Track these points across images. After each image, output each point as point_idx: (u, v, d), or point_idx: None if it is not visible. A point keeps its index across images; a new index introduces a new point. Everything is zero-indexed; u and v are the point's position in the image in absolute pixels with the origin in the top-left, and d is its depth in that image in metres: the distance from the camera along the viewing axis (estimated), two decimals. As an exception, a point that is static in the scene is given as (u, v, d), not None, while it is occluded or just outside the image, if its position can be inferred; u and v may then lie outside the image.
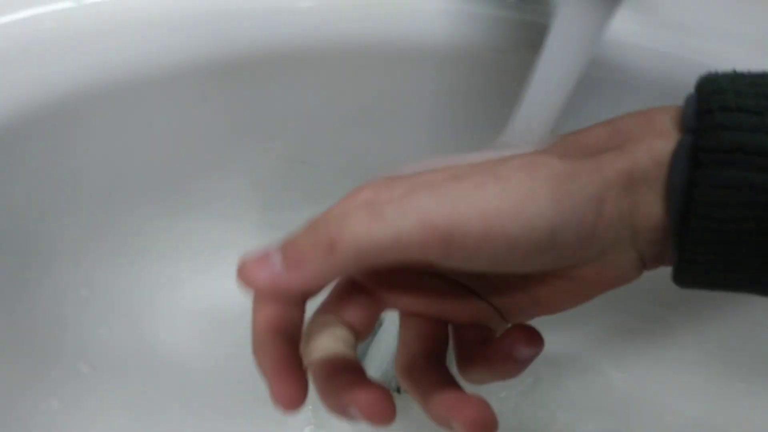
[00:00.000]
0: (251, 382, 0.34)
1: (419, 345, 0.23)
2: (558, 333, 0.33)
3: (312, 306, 0.23)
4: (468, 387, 0.22)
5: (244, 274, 0.18)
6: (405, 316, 0.24)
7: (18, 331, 0.29)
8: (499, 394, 0.38)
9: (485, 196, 0.18)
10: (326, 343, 0.21)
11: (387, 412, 0.19)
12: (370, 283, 0.23)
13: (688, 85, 0.31)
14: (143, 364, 0.34)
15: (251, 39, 0.27)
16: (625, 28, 0.30)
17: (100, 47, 0.25)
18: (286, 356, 0.21)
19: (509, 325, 0.23)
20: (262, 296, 0.22)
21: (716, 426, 0.36)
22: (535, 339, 0.22)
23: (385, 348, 0.34)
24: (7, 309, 0.28)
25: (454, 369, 0.23)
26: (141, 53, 0.26)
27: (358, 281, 0.23)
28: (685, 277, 0.20)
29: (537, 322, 0.22)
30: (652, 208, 0.20)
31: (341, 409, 0.21)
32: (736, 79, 0.20)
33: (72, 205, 0.29)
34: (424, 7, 0.29)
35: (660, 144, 0.20)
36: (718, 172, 0.18)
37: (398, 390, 0.34)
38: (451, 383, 0.22)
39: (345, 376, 0.21)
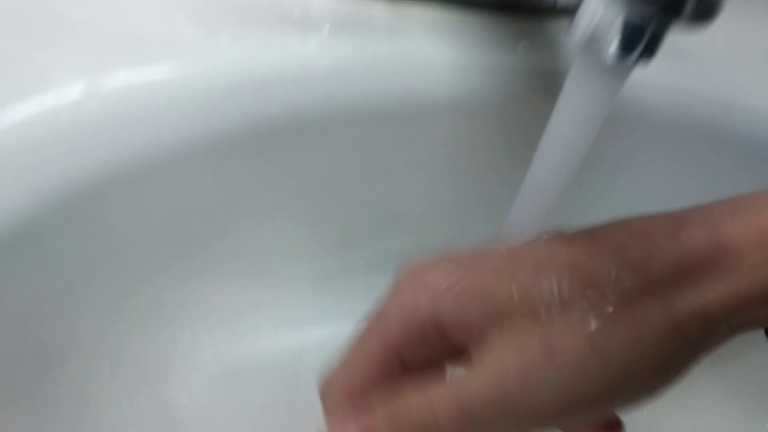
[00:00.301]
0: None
1: None
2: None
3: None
4: None
5: None
6: None
7: (41, 414, 0.28)
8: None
9: (586, 385, 0.16)
10: None
11: None
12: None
13: (705, 121, 0.31)
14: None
15: (272, 108, 0.27)
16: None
17: (117, 134, 0.25)
18: None
19: None
20: None
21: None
22: (617, 428, 0.21)
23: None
24: (29, 393, 0.28)
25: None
26: (157, 135, 0.26)
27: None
28: None
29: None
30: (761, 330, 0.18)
31: None
32: None
33: (92, 284, 0.29)
34: (433, 62, 0.30)
35: None
36: None
37: None
38: None
39: None
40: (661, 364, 0.17)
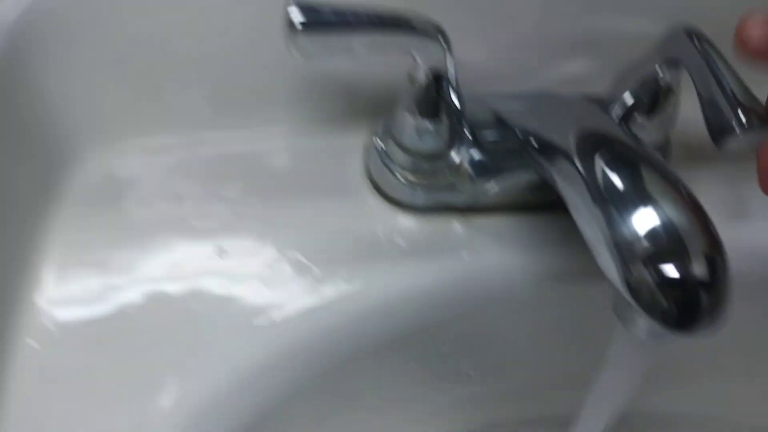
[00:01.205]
0: None
1: None
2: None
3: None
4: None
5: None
6: None
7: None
8: None
9: None
10: None
11: None
12: None
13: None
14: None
15: (389, 325, 0.36)
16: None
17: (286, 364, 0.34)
18: None
19: None
20: None
21: None
22: None
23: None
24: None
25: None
26: (308, 357, 0.35)
27: None
28: None
29: None
30: None
31: None
32: None
33: None
34: (507, 265, 0.37)
35: None
36: None
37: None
38: None
39: None
40: None
